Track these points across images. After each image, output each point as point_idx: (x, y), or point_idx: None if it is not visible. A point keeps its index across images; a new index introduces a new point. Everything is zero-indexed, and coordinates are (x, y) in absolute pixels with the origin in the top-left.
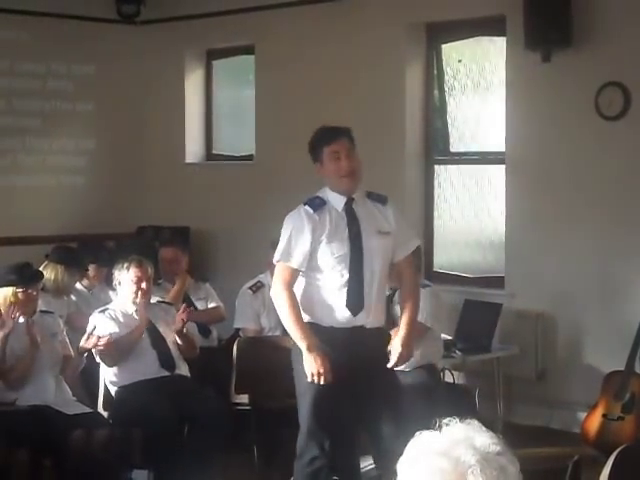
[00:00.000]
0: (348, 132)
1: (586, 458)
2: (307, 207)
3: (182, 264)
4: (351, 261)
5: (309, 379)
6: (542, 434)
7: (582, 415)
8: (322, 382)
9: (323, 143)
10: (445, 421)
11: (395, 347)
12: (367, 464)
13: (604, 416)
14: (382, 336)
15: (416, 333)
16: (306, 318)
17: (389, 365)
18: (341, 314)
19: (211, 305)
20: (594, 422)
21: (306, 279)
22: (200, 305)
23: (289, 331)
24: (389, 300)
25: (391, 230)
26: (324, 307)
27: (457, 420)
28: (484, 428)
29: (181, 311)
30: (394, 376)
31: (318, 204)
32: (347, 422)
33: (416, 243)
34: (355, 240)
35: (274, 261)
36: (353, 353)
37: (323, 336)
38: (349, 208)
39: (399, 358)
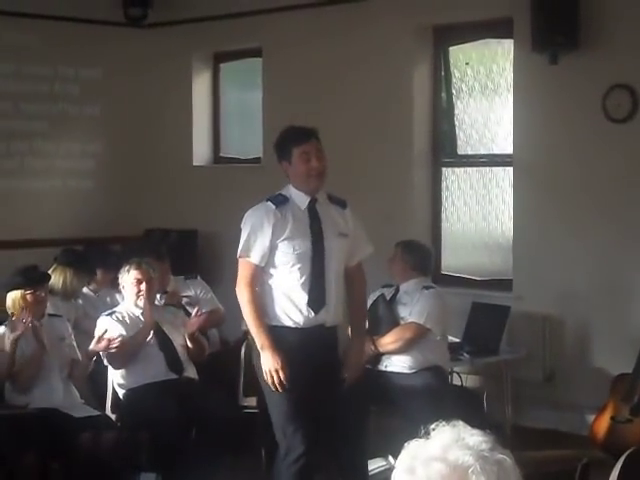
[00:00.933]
0: (317, 133)
1: (594, 461)
2: (269, 203)
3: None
4: (313, 259)
5: (266, 377)
6: (550, 437)
7: (590, 418)
8: (277, 380)
9: (293, 143)
10: (432, 426)
11: (348, 362)
12: (377, 465)
13: (612, 418)
14: (337, 334)
15: (410, 334)
16: (267, 320)
17: (345, 378)
18: (302, 312)
19: (208, 309)
20: (602, 424)
21: (265, 277)
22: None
23: (249, 328)
24: (392, 300)
25: (349, 233)
26: (284, 306)
27: (443, 424)
28: (469, 427)
29: (194, 314)
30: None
31: (281, 201)
32: (318, 419)
33: (370, 250)
34: (316, 238)
35: (237, 257)
36: (313, 353)
37: (283, 338)
38: (312, 207)
39: (353, 371)
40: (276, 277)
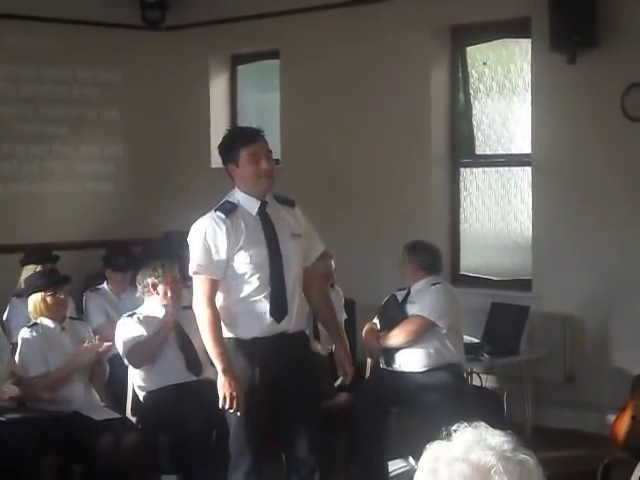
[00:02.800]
0: (263, 134)
1: (616, 461)
2: (219, 212)
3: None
4: (271, 267)
5: (221, 403)
6: (571, 437)
7: (611, 417)
8: (233, 409)
9: (240, 144)
10: (453, 428)
11: (341, 363)
12: (398, 467)
13: (633, 418)
14: (303, 340)
15: (413, 326)
16: (227, 334)
17: (346, 382)
18: (264, 323)
19: None
20: (623, 424)
21: (223, 290)
22: None
23: (207, 348)
24: (403, 301)
25: (302, 233)
26: (245, 317)
27: (465, 425)
28: (490, 428)
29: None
30: (315, 383)
31: (230, 209)
32: (280, 436)
33: (321, 248)
34: (272, 244)
35: (190, 273)
36: (276, 362)
37: (245, 351)
38: (263, 212)
39: (347, 370)
40: (234, 288)
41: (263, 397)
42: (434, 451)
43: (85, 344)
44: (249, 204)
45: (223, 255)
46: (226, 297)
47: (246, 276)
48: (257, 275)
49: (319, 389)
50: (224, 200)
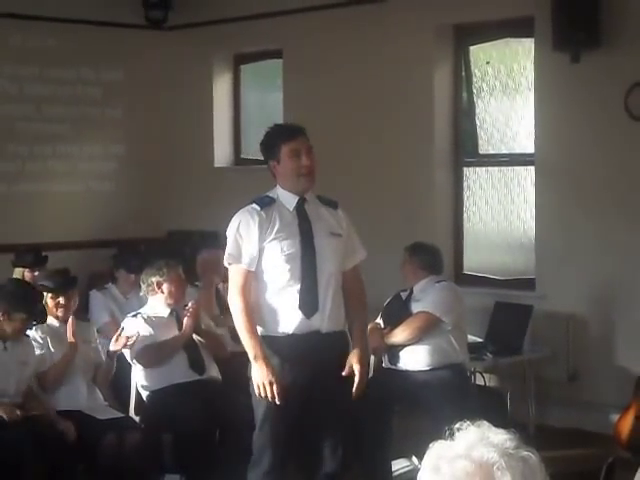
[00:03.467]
0: (305, 131)
1: (619, 460)
2: (254, 205)
3: (221, 267)
4: (303, 260)
5: (256, 390)
6: (574, 436)
7: (615, 417)
8: (269, 394)
9: (282, 140)
10: (456, 426)
11: (354, 369)
12: (401, 466)
13: (637, 417)
14: (340, 341)
15: (419, 322)
16: (259, 330)
17: (354, 393)
18: (295, 318)
19: None
20: (627, 424)
21: (255, 284)
22: None
23: (241, 338)
24: (407, 299)
25: (343, 233)
26: (276, 312)
27: (468, 423)
28: (493, 427)
29: (188, 308)
30: (347, 391)
31: (267, 202)
32: (305, 437)
33: (363, 254)
34: (306, 239)
35: (225, 264)
36: (307, 361)
37: (275, 348)
38: (301, 208)
39: (359, 381)
40: (265, 281)
41: (292, 395)
42: (437, 450)
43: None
44: (287, 199)
45: (255, 245)
46: (258, 291)
47: (277, 268)
48: (289, 267)
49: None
50: (264, 195)
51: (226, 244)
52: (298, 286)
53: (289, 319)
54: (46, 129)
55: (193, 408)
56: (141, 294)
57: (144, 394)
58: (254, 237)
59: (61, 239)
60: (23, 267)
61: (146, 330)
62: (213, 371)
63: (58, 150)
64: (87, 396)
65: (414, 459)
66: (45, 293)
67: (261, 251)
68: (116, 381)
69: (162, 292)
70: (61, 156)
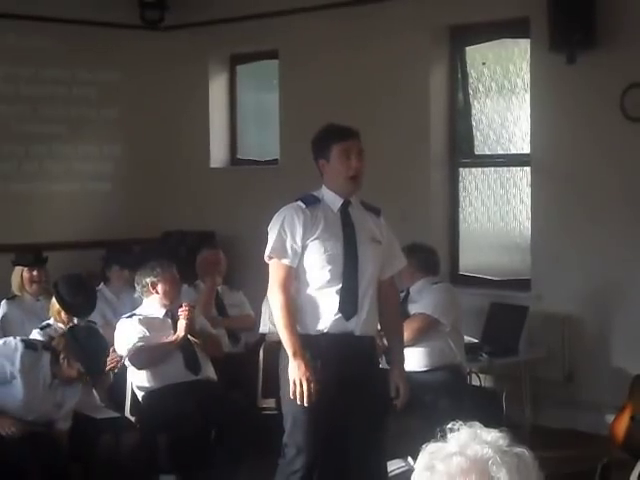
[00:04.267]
0: (359, 134)
1: (615, 460)
2: (300, 202)
3: (222, 267)
4: (345, 262)
5: (291, 387)
6: (570, 437)
7: (610, 417)
8: (306, 392)
9: (334, 140)
10: (448, 427)
11: (399, 386)
12: (396, 467)
13: (632, 418)
14: (371, 345)
15: (418, 324)
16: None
17: (398, 407)
18: (332, 318)
19: (243, 313)
20: (622, 424)
21: (295, 281)
22: (232, 312)
23: (280, 335)
24: (403, 301)
25: (383, 241)
26: (314, 310)
27: (460, 423)
28: (485, 427)
29: (182, 309)
30: (380, 396)
31: (312, 201)
32: (334, 436)
33: (403, 263)
34: (349, 241)
35: (265, 259)
36: (341, 360)
37: (311, 345)
38: (345, 210)
39: (403, 396)
40: (306, 280)
41: (325, 394)
42: (430, 450)
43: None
44: (332, 200)
45: (298, 242)
46: (298, 289)
47: (319, 267)
48: (330, 267)
49: (385, 403)
50: (309, 194)
51: (264, 242)
52: (338, 287)
53: (327, 318)
54: (42, 129)
55: (188, 408)
56: (136, 295)
57: (139, 394)
58: (298, 234)
59: (57, 239)
60: (23, 266)
61: (141, 332)
62: (209, 371)
63: (54, 150)
64: (83, 396)
65: (409, 460)
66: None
67: (304, 249)
68: (112, 382)
69: (157, 292)
70: (57, 156)
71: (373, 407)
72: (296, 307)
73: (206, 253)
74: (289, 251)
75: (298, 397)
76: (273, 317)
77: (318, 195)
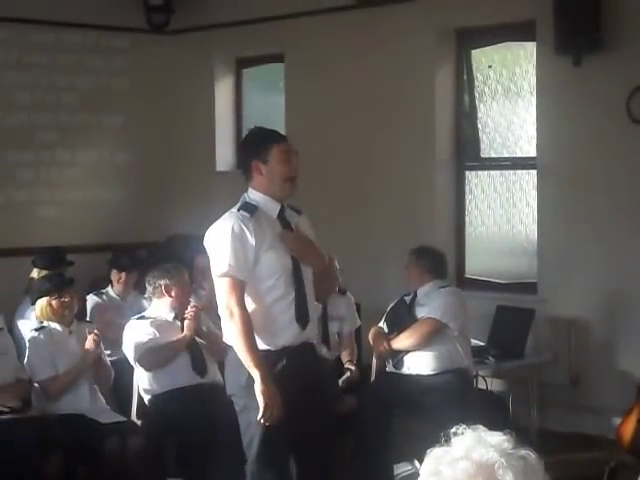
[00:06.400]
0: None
1: (621, 464)
2: (242, 212)
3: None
4: (294, 270)
5: (261, 413)
6: (576, 440)
7: (617, 421)
8: (275, 416)
9: (272, 141)
10: (452, 431)
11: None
12: (403, 470)
13: (639, 422)
14: (316, 350)
15: (426, 328)
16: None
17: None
18: (291, 329)
19: None
20: (629, 428)
21: (249, 297)
22: None
23: (241, 357)
24: (411, 303)
25: (313, 240)
26: (268, 325)
27: (464, 427)
28: (489, 431)
29: (188, 310)
30: (329, 399)
31: (252, 209)
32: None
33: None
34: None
35: (215, 276)
36: (306, 373)
37: (275, 363)
38: (282, 216)
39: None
40: (261, 295)
41: (290, 406)
42: (435, 454)
43: (87, 345)
44: (269, 206)
45: (251, 255)
46: (253, 305)
47: (272, 280)
48: (282, 279)
49: (331, 403)
50: (243, 201)
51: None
52: (291, 297)
53: (287, 331)
54: (47, 135)
55: (195, 412)
56: (146, 295)
57: (146, 398)
58: (250, 247)
59: (64, 243)
60: (43, 269)
61: (150, 334)
62: (215, 374)
63: (60, 156)
64: (89, 399)
65: (416, 463)
66: (45, 298)
67: (256, 262)
68: (117, 385)
69: (170, 296)
70: (62, 162)
71: (327, 412)
72: (255, 327)
73: (198, 259)
74: (244, 267)
75: (265, 420)
76: (229, 339)
77: (253, 202)
